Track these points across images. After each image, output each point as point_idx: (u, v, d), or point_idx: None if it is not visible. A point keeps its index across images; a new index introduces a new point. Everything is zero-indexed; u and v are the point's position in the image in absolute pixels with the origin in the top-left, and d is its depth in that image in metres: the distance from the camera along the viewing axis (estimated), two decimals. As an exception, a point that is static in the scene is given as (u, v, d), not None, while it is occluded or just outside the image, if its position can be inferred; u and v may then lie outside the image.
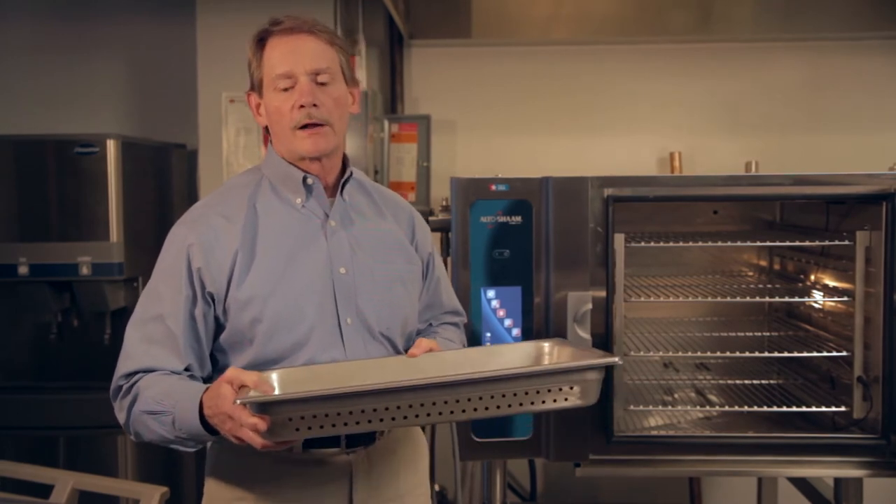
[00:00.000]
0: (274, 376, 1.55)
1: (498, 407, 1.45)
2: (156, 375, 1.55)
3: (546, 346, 1.73)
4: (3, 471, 2.57)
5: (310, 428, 1.39)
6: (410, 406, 1.41)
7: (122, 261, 3.04)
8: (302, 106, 1.59)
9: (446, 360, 1.67)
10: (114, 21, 3.68)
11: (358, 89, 1.72)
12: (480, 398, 1.44)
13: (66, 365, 3.26)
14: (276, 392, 1.52)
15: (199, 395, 1.46)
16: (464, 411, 1.44)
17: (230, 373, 1.44)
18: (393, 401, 1.41)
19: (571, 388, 1.48)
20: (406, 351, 1.75)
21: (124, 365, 1.58)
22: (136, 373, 1.56)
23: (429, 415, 1.43)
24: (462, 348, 1.84)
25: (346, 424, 1.40)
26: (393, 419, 1.41)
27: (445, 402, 1.42)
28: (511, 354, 1.72)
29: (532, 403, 1.47)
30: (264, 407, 1.38)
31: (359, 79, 3.16)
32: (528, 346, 1.76)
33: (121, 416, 1.59)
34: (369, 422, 1.41)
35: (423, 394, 1.42)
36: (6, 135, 3.14)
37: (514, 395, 1.45)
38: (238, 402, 1.36)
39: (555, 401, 1.48)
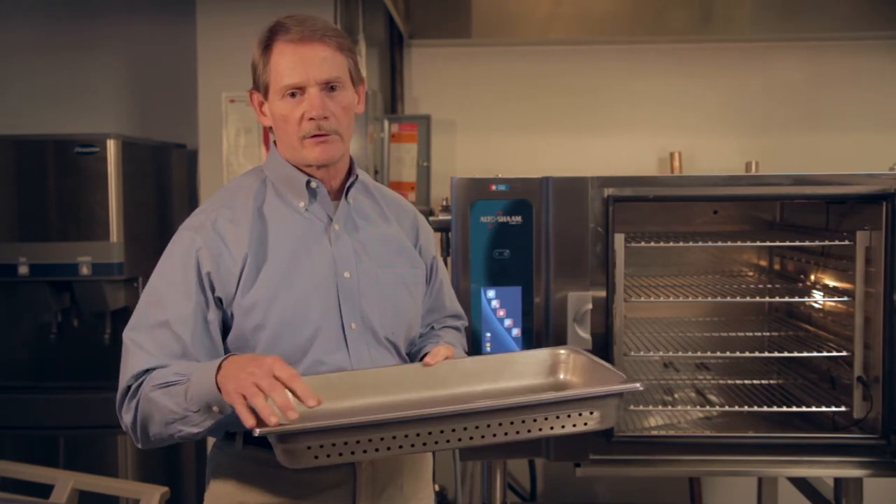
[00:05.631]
0: None
1: (517, 433, 1.44)
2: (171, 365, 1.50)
3: (562, 353, 1.72)
4: (3, 471, 2.57)
5: (329, 455, 1.35)
6: (442, 432, 1.40)
7: (122, 261, 3.04)
8: (312, 118, 1.56)
9: (464, 369, 1.65)
10: (114, 21, 3.69)
11: (363, 86, 1.69)
12: (511, 423, 1.43)
13: (66, 365, 3.26)
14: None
15: (220, 360, 1.41)
16: (494, 435, 1.43)
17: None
18: (420, 428, 1.39)
19: (592, 413, 1.48)
20: (410, 356, 1.74)
21: (136, 363, 1.51)
22: (149, 370, 1.50)
23: (456, 440, 1.42)
24: (475, 356, 1.80)
25: (364, 452, 1.37)
26: (413, 445, 1.39)
27: (478, 427, 1.41)
28: (527, 363, 1.71)
29: (552, 429, 1.46)
30: (286, 437, 1.33)
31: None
32: (543, 354, 1.73)
33: (128, 417, 1.52)
34: (388, 449, 1.38)
35: (451, 421, 1.40)
36: (6, 135, 3.13)
37: (534, 420, 1.44)
38: (258, 432, 1.30)
39: (574, 426, 1.47)
